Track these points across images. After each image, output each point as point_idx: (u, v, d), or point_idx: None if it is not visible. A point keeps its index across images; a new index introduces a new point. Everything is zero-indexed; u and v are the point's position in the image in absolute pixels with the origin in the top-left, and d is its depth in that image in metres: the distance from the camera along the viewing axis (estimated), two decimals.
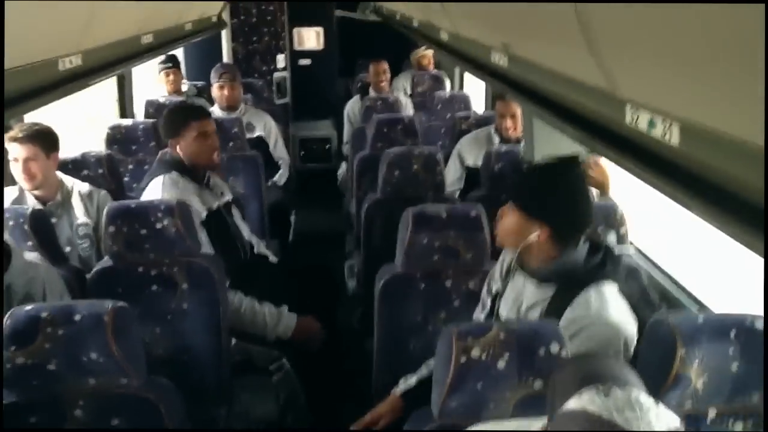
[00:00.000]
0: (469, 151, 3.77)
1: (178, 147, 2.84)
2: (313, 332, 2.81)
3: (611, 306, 1.80)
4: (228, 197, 3.01)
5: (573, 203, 1.85)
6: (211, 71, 4.55)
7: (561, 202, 1.83)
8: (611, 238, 1.96)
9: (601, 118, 1.22)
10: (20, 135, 2.67)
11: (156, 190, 2.77)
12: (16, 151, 2.69)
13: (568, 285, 1.84)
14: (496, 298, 2.05)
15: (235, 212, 3.08)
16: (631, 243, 2.73)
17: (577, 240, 1.86)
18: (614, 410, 0.99)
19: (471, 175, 3.71)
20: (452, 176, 3.73)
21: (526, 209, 1.86)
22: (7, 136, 2.70)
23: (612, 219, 2.42)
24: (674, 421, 1.01)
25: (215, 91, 4.46)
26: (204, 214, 2.77)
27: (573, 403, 1.03)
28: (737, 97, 0.75)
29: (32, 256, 2.28)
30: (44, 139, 2.73)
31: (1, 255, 1.29)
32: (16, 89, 1.61)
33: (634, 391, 1.03)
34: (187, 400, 1.95)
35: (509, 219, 1.90)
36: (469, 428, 1.41)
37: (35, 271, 2.19)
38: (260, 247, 3.22)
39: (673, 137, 0.93)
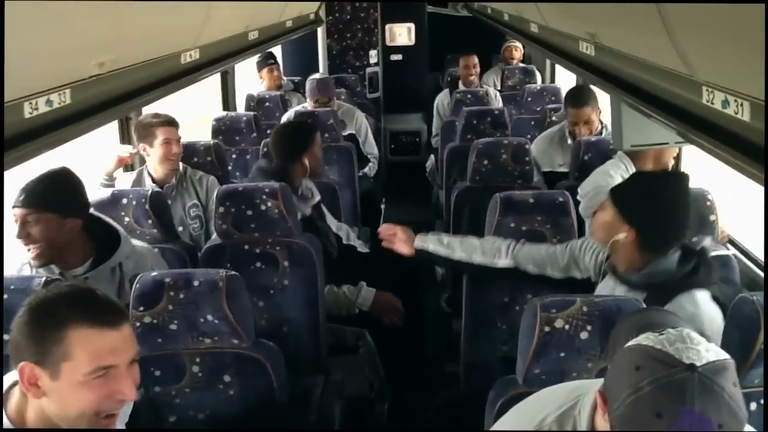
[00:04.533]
0: (547, 159, 3.71)
1: (306, 160, 3.06)
2: (392, 305, 2.94)
3: (704, 313, 1.82)
4: (317, 197, 3.19)
5: (665, 216, 1.89)
6: (306, 66, 4.74)
7: (653, 211, 1.88)
8: (706, 243, 1.98)
9: (680, 100, 1.30)
10: (170, 119, 3.07)
11: None
12: (169, 133, 3.05)
13: (658, 292, 1.86)
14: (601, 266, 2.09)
15: (325, 211, 3.26)
16: (722, 233, 2.73)
17: (666, 251, 1.89)
18: (666, 343, 1.08)
19: (552, 177, 3.65)
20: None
21: (620, 208, 1.92)
22: (153, 120, 3.04)
23: (701, 206, 2.42)
24: (724, 354, 1.08)
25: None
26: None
27: (631, 343, 1.13)
28: None
29: (139, 243, 2.48)
30: (178, 127, 3.12)
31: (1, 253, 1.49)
32: (146, 79, 1.82)
33: (686, 330, 1.12)
34: (287, 368, 2.13)
35: (604, 213, 1.97)
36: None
37: (145, 257, 2.41)
38: (350, 237, 3.38)
39: (744, 113, 1.01)
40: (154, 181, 3.09)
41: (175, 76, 2.01)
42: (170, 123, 3.07)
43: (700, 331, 1.75)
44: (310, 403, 2.46)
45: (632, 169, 2.89)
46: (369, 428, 2.94)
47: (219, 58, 2.41)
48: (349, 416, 2.60)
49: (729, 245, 2.71)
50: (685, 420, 1.03)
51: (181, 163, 3.18)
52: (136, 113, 3.17)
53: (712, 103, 1.12)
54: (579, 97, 3.53)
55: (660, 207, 1.89)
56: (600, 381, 1.24)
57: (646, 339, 1.12)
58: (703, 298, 1.85)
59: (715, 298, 1.87)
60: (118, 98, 1.62)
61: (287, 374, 2.14)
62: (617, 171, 2.84)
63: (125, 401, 1.35)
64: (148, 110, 3.16)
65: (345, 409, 2.55)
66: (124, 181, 3.13)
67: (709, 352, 1.08)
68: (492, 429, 1.49)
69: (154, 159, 3.07)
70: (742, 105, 1.02)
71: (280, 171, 3.04)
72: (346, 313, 2.93)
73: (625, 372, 1.10)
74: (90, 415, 1.29)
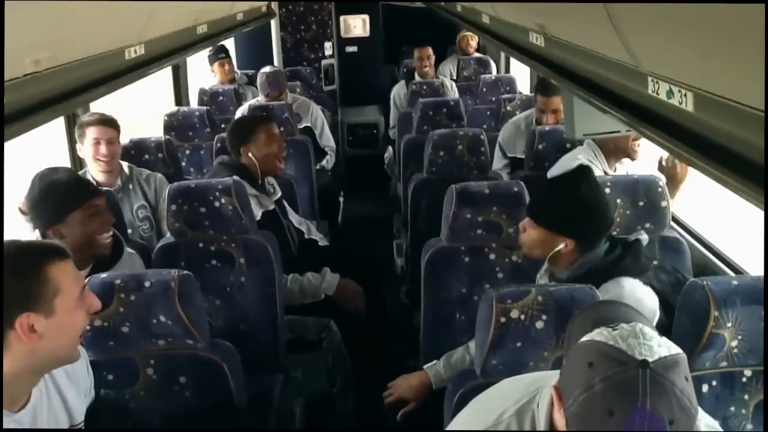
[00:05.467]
0: (510, 145, 3.77)
1: (250, 153, 3.01)
2: (354, 292, 2.95)
3: (629, 294, 1.84)
4: (279, 193, 3.15)
5: (594, 211, 1.91)
6: (261, 59, 4.69)
7: (581, 214, 1.90)
8: (643, 237, 2.00)
9: (626, 91, 1.30)
10: (103, 118, 2.90)
11: None
12: (99, 133, 2.88)
13: (585, 282, 1.86)
14: None
15: (287, 207, 3.23)
16: (675, 218, 2.78)
17: (600, 243, 1.93)
18: (619, 338, 1.09)
19: (517, 162, 3.72)
20: (497, 165, 3.76)
21: (549, 226, 1.93)
22: (86, 119, 2.91)
23: (653, 192, 2.46)
24: (676, 348, 1.10)
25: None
26: (259, 215, 2.91)
27: (585, 338, 1.14)
28: (743, 67, 0.83)
29: (129, 250, 2.43)
30: (117, 126, 2.95)
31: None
32: (88, 77, 1.77)
33: (639, 325, 1.12)
34: (245, 368, 2.10)
35: (532, 233, 1.97)
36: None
37: (134, 262, 2.39)
38: (311, 231, 3.35)
39: (689, 104, 1.02)
40: (98, 183, 2.92)
41: (119, 73, 1.95)
42: (102, 122, 2.90)
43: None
44: (270, 403, 2.43)
45: (600, 155, 2.93)
46: (331, 427, 2.92)
47: (166, 54, 2.34)
48: (310, 415, 2.58)
49: (682, 230, 2.76)
50: (636, 418, 1.03)
51: (125, 164, 3.08)
52: (83, 111, 3.08)
53: (658, 94, 1.13)
54: (549, 85, 3.55)
55: (586, 207, 1.90)
56: (556, 374, 1.25)
57: (599, 335, 1.12)
58: (628, 283, 1.87)
59: (652, 287, 1.90)
60: (57, 97, 1.56)
61: (246, 374, 2.11)
62: (585, 157, 2.87)
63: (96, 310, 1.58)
64: (103, 108, 3.08)
65: (306, 408, 2.53)
66: None
67: (661, 347, 1.09)
68: (449, 428, 1.48)
69: (87, 160, 2.95)
70: (686, 95, 1.03)
71: (240, 165, 3.01)
72: (311, 300, 2.91)
73: (578, 369, 1.11)
74: (82, 329, 1.55)
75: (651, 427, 1.03)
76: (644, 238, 1.97)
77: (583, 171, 1.96)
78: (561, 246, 1.90)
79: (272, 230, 2.86)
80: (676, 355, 1.09)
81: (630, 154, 2.93)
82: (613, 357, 1.08)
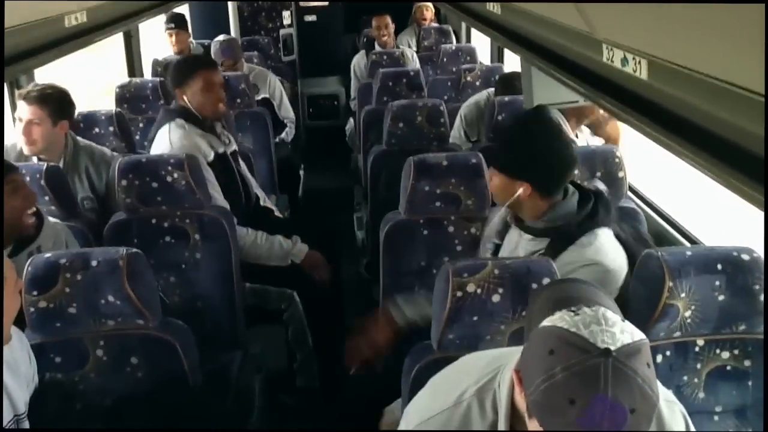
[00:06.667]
0: (474, 129, 3.70)
1: (184, 96, 2.88)
2: (320, 261, 2.94)
3: (606, 249, 1.85)
4: (234, 147, 3.07)
5: (548, 154, 1.87)
6: (217, 29, 4.56)
7: (535, 156, 1.87)
8: (601, 186, 1.99)
9: (582, 59, 1.28)
10: (30, 95, 2.63)
11: (163, 138, 2.84)
12: (22, 111, 2.64)
13: (561, 236, 1.88)
14: (497, 251, 2.10)
15: (242, 163, 3.15)
16: (631, 188, 2.79)
17: (564, 190, 1.91)
18: (581, 325, 1.07)
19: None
20: (457, 142, 3.66)
21: (504, 170, 1.90)
22: (17, 92, 2.70)
23: (611, 163, 2.46)
24: (639, 334, 1.08)
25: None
26: (211, 156, 2.84)
27: (545, 322, 1.11)
28: (696, 33, 0.81)
29: (51, 219, 2.35)
30: (54, 105, 2.67)
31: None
32: (22, 45, 1.67)
33: (601, 309, 1.10)
34: (201, 346, 2.06)
35: (495, 180, 1.95)
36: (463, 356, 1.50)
37: (59, 234, 2.29)
38: (266, 201, 3.30)
39: (642, 72, 0.99)
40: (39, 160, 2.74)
41: (59, 41, 1.86)
42: (29, 99, 2.62)
43: (604, 270, 1.81)
44: (228, 380, 2.40)
45: (564, 121, 2.90)
46: (291, 403, 2.90)
47: (110, 22, 2.25)
48: (270, 391, 2.55)
49: (639, 200, 2.78)
50: (597, 406, 1.02)
51: (70, 136, 2.85)
52: (27, 79, 2.94)
53: (612, 61, 1.11)
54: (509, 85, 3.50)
55: (538, 149, 1.87)
56: (516, 351, 1.23)
57: (561, 320, 1.09)
58: (605, 235, 1.87)
59: (618, 237, 1.90)
60: None
61: (203, 352, 2.07)
62: None
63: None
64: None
65: (265, 384, 2.50)
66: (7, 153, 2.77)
67: (624, 333, 1.07)
68: (408, 409, 1.46)
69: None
70: (640, 63, 1.00)
71: (182, 108, 2.90)
72: (276, 264, 2.87)
73: (539, 356, 1.08)
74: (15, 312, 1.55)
75: (612, 416, 1.01)
76: (603, 187, 1.96)
77: (537, 114, 1.93)
78: (519, 191, 1.87)
79: (222, 175, 2.80)
80: (638, 341, 1.07)
81: (598, 120, 2.91)
82: (575, 344, 1.05)
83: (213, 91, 2.91)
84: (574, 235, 1.86)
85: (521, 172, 1.87)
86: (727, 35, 0.72)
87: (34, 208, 2.17)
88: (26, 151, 2.71)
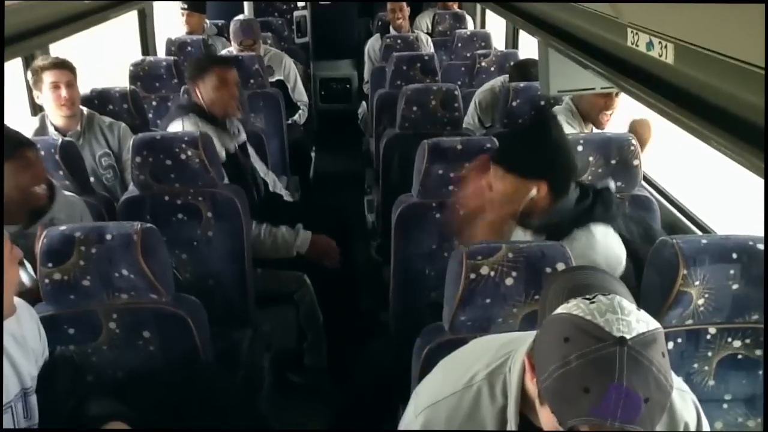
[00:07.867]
0: (488, 115, 3.68)
1: (197, 90, 2.96)
2: (328, 248, 2.94)
3: (598, 246, 1.82)
4: (243, 136, 3.09)
5: (564, 154, 1.87)
6: (231, 10, 4.54)
7: (554, 156, 1.85)
8: (611, 186, 1.98)
9: (605, 42, 1.27)
10: (58, 61, 2.80)
11: (177, 129, 2.86)
12: (56, 76, 2.80)
13: (557, 230, 1.86)
14: None
15: (251, 151, 3.17)
16: (646, 177, 2.78)
17: (570, 188, 1.89)
18: (597, 313, 1.07)
19: None
20: (470, 127, 3.66)
21: (519, 170, 1.86)
22: (41, 63, 2.80)
23: (626, 151, 2.45)
24: (654, 323, 1.08)
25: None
26: (222, 156, 2.86)
27: (560, 309, 1.11)
28: (725, 17, 0.80)
29: (66, 192, 2.37)
30: (73, 69, 2.86)
31: None
32: (40, 19, 1.68)
33: (617, 298, 1.10)
34: (212, 323, 2.07)
35: (502, 186, 1.89)
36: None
37: (74, 207, 2.31)
38: (276, 185, 3.30)
39: (669, 56, 0.98)
40: (56, 129, 2.89)
41: (78, 16, 1.86)
42: (58, 65, 2.82)
43: (593, 261, 1.79)
44: (238, 357, 2.41)
45: (577, 117, 2.88)
46: (300, 382, 2.92)
47: None
48: (279, 369, 2.57)
49: (653, 189, 2.76)
50: (612, 395, 1.02)
51: (84, 108, 2.99)
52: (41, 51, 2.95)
53: (637, 46, 1.10)
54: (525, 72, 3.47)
55: (557, 150, 1.86)
56: (528, 336, 1.23)
57: (576, 308, 1.09)
58: (600, 230, 1.85)
59: (622, 237, 1.88)
60: (13, 37, 1.48)
61: (213, 329, 2.08)
62: (563, 118, 2.83)
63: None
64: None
65: (274, 362, 2.52)
66: (26, 128, 2.90)
67: (639, 323, 1.06)
68: (418, 390, 1.46)
69: (47, 105, 2.86)
70: (666, 47, 0.99)
71: (195, 104, 2.96)
72: (282, 257, 2.88)
73: (553, 343, 1.08)
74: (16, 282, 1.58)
75: (626, 405, 1.01)
76: (612, 186, 1.95)
77: (552, 117, 1.93)
78: (533, 192, 1.85)
79: (234, 174, 2.81)
80: (654, 330, 1.06)
81: (597, 124, 2.88)
82: (591, 333, 1.05)
83: (226, 89, 2.96)
84: (569, 229, 1.84)
85: (539, 171, 1.85)
86: (756, 18, 0.71)
87: (45, 185, 2.18)
88: (66, 112, 2.86)
